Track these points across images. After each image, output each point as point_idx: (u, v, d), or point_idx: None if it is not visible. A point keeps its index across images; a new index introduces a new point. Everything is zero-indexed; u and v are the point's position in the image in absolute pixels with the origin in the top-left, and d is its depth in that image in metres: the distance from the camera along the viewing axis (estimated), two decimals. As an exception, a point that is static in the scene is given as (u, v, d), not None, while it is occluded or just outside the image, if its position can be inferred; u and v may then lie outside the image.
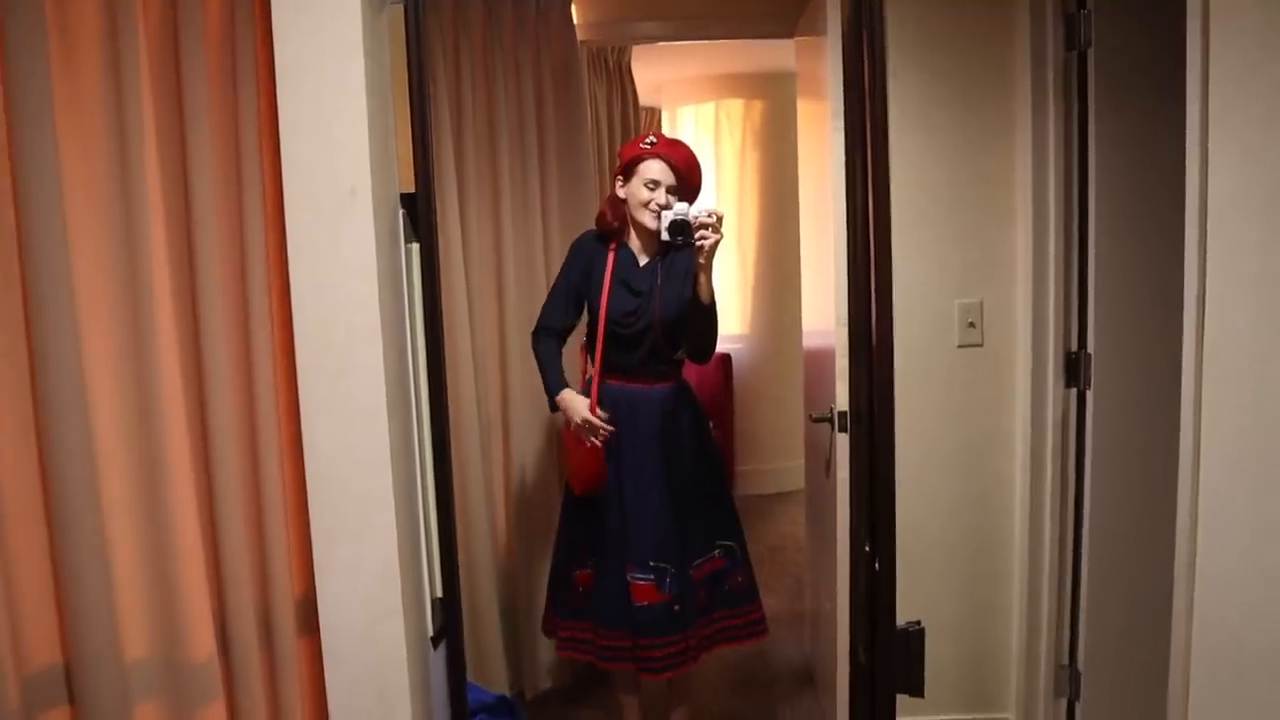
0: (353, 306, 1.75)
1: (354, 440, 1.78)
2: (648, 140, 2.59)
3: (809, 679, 3.42)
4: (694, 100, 5.60)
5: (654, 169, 2.54)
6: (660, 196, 2.53)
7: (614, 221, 2.64)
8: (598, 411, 2.60)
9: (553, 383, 2.68)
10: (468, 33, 2.86)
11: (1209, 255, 1.62)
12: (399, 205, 1.88)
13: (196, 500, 1.80)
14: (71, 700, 1.77)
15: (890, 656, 1.73)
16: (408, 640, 1.84)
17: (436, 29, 2.78)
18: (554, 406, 2.69)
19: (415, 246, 1.87)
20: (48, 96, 1.62)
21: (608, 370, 2.67)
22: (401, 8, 1.81)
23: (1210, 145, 1.60)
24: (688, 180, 2.56)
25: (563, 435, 2.77)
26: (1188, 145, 1.65)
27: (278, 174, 1.78)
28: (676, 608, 2.59)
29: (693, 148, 2.69)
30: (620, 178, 2.62)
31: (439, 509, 1.94)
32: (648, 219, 2.55)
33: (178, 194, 1.79)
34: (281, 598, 1.90)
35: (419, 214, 1.86)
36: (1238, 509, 1.58)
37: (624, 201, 2.60)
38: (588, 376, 2.70)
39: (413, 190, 1.86)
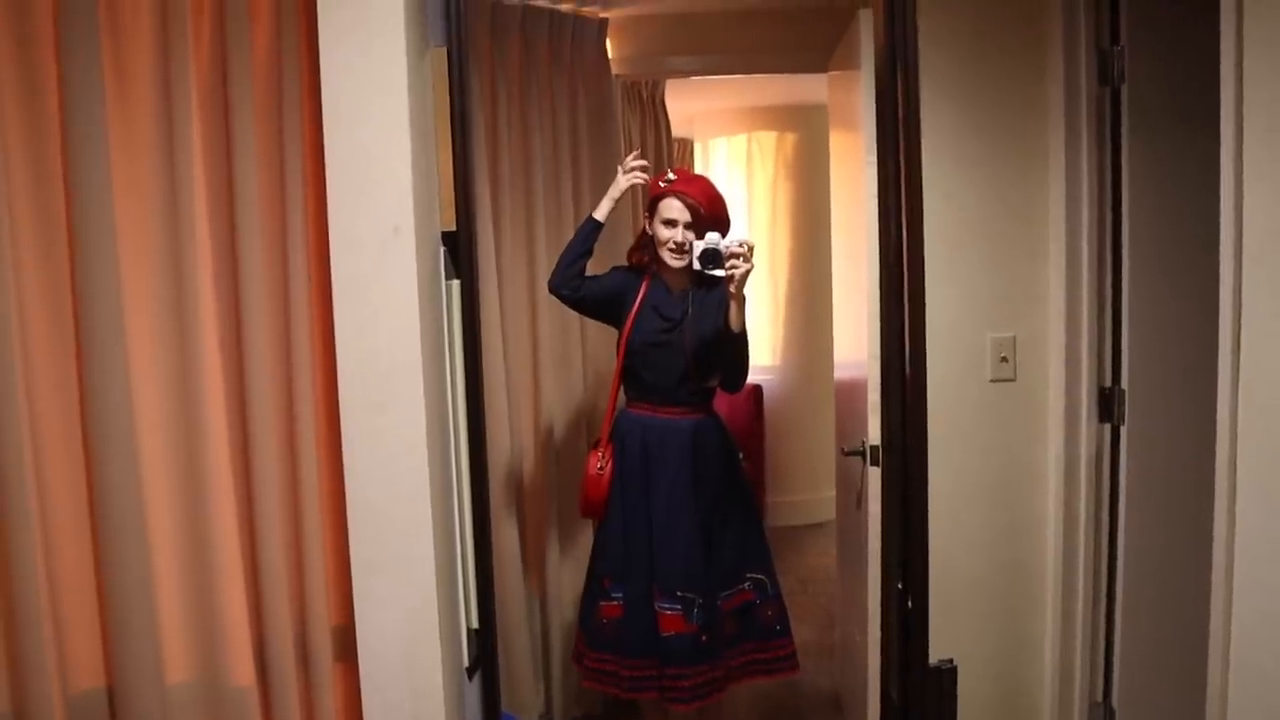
0: (395, 341, 1.78)
1: (394, 472, 1.81)
2: (666, 178, 2.60)
3: (838, 710, 3.40)
4: (726, 132, 5.63)
5: (671, 207, 2.56)
6: (678, 234, 2.55)
7: (644, 257, 2.67)
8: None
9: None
10: (504, 67, 2.91)
11: (1244, 290, 1.62)
12: (440, 243, 1.91)
13: (238, 529, 1.84)
14: (114, 722, 1.81)
15: (923, 694, 1.73)
16: (444, 670, 1.85)
17: (473, 64, 2.84)
18: (596, 220, 2.64)
19: (455, 284, 1.91)
20: (103, 135, 1.69)
21: (638, 399, 2.69)
22: (443, 50, 1.85)
23: (1245, 181, 1.60)
24: (708, 214, 2.56)
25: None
26: (1222, 181, 1.65)
27: (322, 211, 1.82)
28: (704, 638, 2.59)
29: (724, 180, 2.70)
30: (648, 214, 2.65)
31: (476, 542, 1.96)
32: (668, 257, 2.58)
33: (224, 230, 1.85)
34: (319, 625, 1.93)
35: (460, 251, 1.90)
36: (1276, 547, 1.57)
37: (654, 237, 2.63)
38: (620, 407, 2.73)
39: (451, 228, 1.90)
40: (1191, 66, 1.93)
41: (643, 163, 2.63)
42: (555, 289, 2.66)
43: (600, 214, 2.64)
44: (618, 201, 2.65)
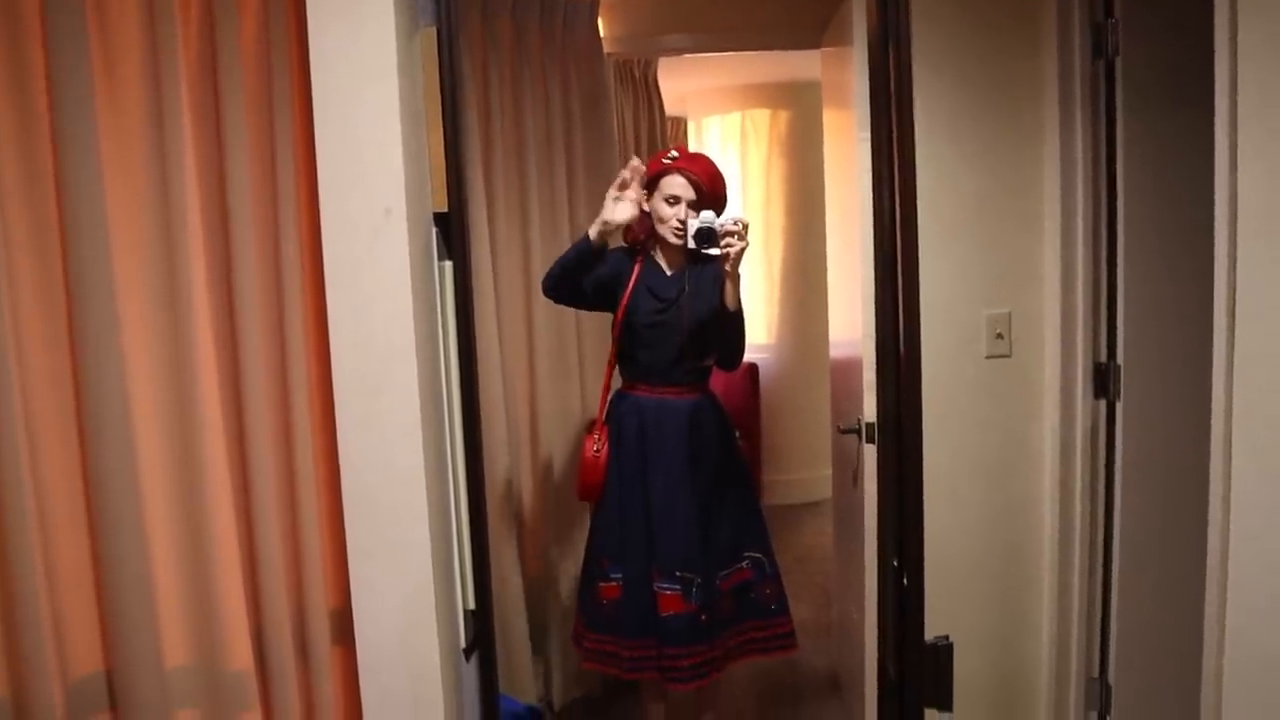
0: (388, 325, 1.78)
1: (389, 456, 1.81)
2: (669, 155, 2.59)
3: (836, 688, 3.42)
4: (720, 110, 5.61)
5: (674, 184, 2.54)
6: (681, 212, 2.54)
7: (641, 235, 2.66)
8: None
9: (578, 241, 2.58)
10: (496, 49, 2.89)
11: (1239, 265, 1.61)
12: (432, 224, 1.90)
13: (235, 514, 1.84)
14: (113, 706, 1.82)
15: (919, 671, 1.73)
16: (441, 652, 1.86)
17: (465, 45, 2.81)
18: (593, 240, 2.54)
19: (448, 264, 1.90)
20: (93, 129, 1.68)
21: (634, 379, 2.69)
22: (433, 30, 1.84)
23: (1239, 156, 1.60)
24: (710, 192, 2.55)
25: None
26: (1216, 156, 1.64)
27: (313, 195, 1.81)
28: (703, 618, 2.60)
29: (718, 158, 2.68)
30: (645, 192, 2.63)
31: (471, 524, 1.96)
32: (670, 235, 2.56)
33: (217, 217, 1.84)
34: (316, 609, 1.94)
35: (452, 233, 1.89)
36: (1270, 522, 1.57)
37: (649, 215, 2.62)
38: (615, 389, 2.72)
39: (444, 209, 1.88)
40: (1186, 40, 1.91)
41: (638, 188, 2.55)
42: (547, 294, 2.64)
43: (594, 233, 2.53)
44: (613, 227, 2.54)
